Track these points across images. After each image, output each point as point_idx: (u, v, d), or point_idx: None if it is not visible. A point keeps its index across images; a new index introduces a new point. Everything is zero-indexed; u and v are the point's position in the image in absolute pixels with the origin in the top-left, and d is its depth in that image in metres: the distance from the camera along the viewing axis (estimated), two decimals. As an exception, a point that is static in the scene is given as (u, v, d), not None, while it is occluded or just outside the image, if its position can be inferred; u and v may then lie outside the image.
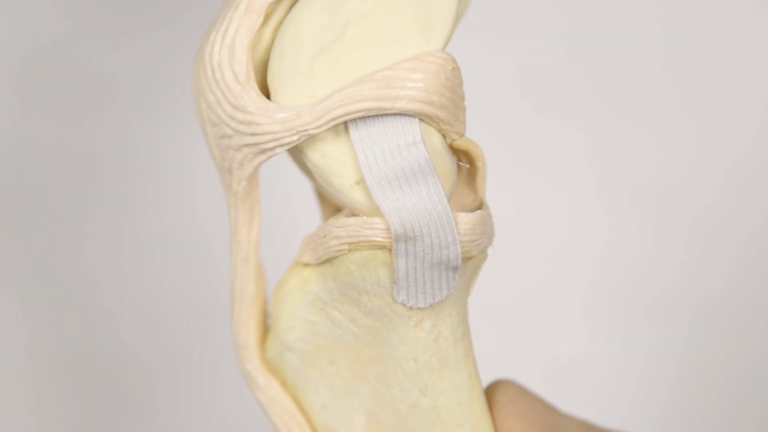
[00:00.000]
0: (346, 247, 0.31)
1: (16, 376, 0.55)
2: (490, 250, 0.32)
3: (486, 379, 0.34)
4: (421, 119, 0.30)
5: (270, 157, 0.31)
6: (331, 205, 0.36)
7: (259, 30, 0.31)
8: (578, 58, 0.57)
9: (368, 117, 0.30)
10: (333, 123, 0.30)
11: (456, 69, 0.30)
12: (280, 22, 0.31)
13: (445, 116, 0.30)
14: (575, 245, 0.58)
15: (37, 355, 0.55)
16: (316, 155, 0.31)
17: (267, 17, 0.31)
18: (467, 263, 0.31)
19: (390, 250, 0.30)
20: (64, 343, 0.56)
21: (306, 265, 0.33)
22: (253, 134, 0.30)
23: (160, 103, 0.55)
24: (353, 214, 0.31)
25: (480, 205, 0.32)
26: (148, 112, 0.55)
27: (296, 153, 0.32)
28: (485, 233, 0.31)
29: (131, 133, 0.55)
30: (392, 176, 0.30)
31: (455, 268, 0.30)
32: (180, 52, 0.54)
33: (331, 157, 0.31)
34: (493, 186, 0.33)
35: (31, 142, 0.55)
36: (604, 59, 0.57)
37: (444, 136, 0.31)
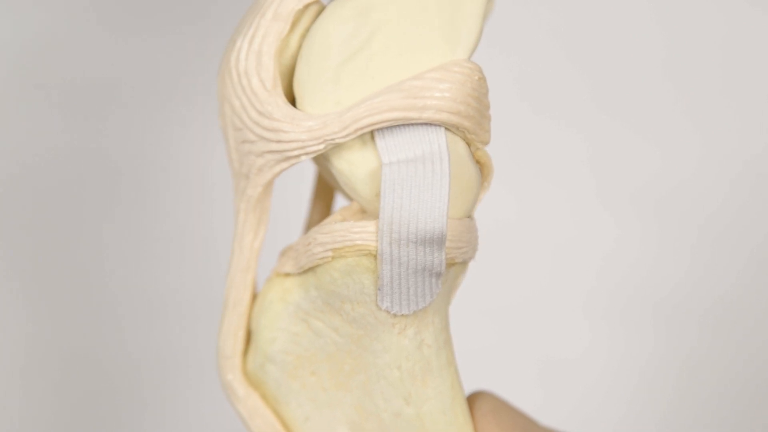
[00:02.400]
0: (330, 253, 0.31)
1: (16, 377, 0.55)
2: (491, 251, 0.32)
3: (492, 380, 0.34)
4: (447, 128, 0.30)
5: (293, 164, 0.31)
6: (320, 212, 0.36)
7: (286, 37, 0.31)
8: (578, 59, 0.57)
9: (395, 126, 0.30)
10: (360, 132, 0.30)
11: (482, 78, 0.31)
12: (307, 29, 0.31)
13: (470, 126, 0.31)
14: (577, 247, 0.58)
15: (37, 356, 0.55)
16: (342, 163, 0.31)
17: (294, 24, 0.31)
18: (450, 270, 0.31)
19: (374, 256, 0.30)
20: (64, 345, 0.55)
21: (287, 275, 0.33)
22: (279, 141, 0.30)
23: (171, 105, 0.55)
24: (340, 221, 0.31)
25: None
26: (158, 114, 0.55)
27: (321, 160, 0.32)
28: (470, 242, 0.31)
29: (139, 136, 0.55)
30: (407, 183, 0.30)
31: (439, 275, 0.30)
32: (192, 55, 0.54)
33: (357, 165, 0.31)
34: (493, 188, 0.33)
35: (37, 143, 0.54)
36: (605, 60, 0.57)
37: (469, 145, 0.31)
